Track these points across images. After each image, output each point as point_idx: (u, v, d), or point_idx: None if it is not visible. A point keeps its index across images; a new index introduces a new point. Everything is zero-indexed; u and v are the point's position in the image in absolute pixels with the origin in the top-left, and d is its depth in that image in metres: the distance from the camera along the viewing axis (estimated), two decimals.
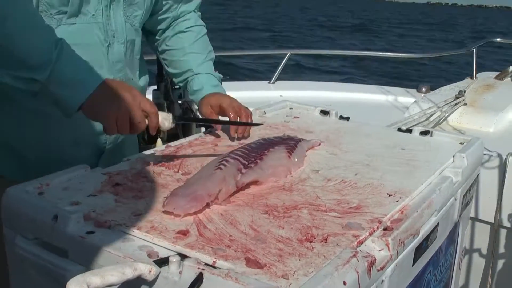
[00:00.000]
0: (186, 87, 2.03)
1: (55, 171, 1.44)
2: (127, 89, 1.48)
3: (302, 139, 1.77)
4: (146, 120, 1.51)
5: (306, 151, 1.73)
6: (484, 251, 2.95)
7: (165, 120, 1.56)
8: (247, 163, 1.49)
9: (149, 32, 2.00)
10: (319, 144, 1.81)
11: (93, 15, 1.64)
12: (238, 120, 1.84)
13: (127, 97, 1.46)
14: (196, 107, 2.06)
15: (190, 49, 1.98)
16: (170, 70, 2.04)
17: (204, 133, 1.91)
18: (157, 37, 2.02)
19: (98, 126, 1.74)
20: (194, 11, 2.03)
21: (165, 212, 1.25)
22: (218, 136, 1.86)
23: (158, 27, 1.98)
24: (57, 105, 1.46)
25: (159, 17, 1.95)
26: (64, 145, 1.71)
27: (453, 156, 1.74)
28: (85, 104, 1.44)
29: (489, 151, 2.82)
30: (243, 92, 3.68)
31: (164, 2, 1.92)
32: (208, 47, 2.05)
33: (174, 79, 2.07)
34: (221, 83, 2.03)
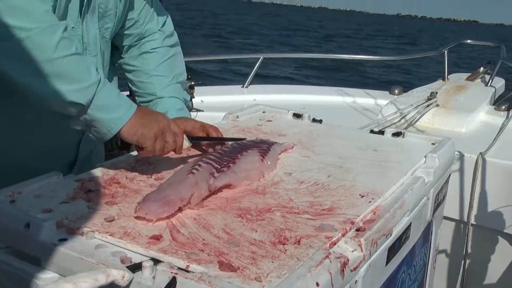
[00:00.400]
0: None
1: (21, 180, 1.43)
2: (158, 113, 1.60)
3: (275, 142, 1.78)
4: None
5: (279, 154, 1.74)
6: (457, 250, 2.99)
7: (185, 140, 1.63)
8: (219, 167, 1.49)
9: (115, 48, 1.97)
10: (292, 147, 1.82)
11: (73, 27, 1.63)
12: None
13: (161, 120, 1.55)
14: None
15: (155, 71, 1.94)
16: (134, 89, 2.00)
17: None
18: (122, 55, 1.98)
19: (72, 138, 1.79)
20: (160, 30, 1.98)
21: (138, 217, 1.25)
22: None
23: (123, 43, 1.95)
24: (94, 129, 1.49)
25: (124, 32, 1.91)
26: (35, 155, 1.69)
27: (425, 157, 1.76)
28: (125, 127, 1.48)
29: (461, 151, 2.86)
30: (216, 97, 3.68)
31: (129, 18, 1.89)
32: (175, 69, 2.00)
33: (137, 100, 2.02)
34: (187, 104, 2.02)
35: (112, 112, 1.46)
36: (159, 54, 1.96)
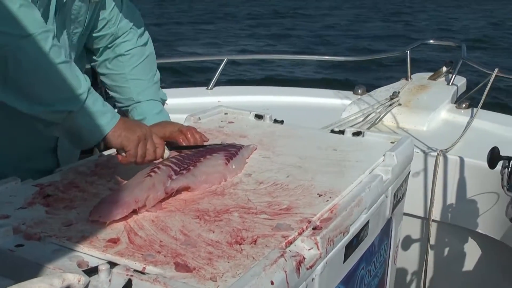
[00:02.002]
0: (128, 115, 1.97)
1: None
2: (140, 122, 1.66)
3: (243, 146, 1.79)
4: None
5: (247, 158, 1.75)
6: (419, 246, 3.04)
7: (166, 149, 1.63)
8: (178, 169, 1.50)
9: (88, 51, 1.96)
10: (255, 149, 1.84)
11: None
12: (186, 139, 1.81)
13: (144, 126, 1.58)
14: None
15: (131, 75, 1.93)
16: (112, 94, 1.99)
17: None
18: (96, 58, 1.96)
19: (50, 143, 1.77)
20: (132, 28, 1.95)
21: (92, 221, 1.25)
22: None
23: (97, 46, 1.93)
24: (76, 136, 1.47)
25: (96, 34, 1.89)
26: (12, 160, 1.67)
27: (383, 155, 1.79)
28: (110, 133, 1.47)
29: (422, 149, 2.91)
30: (181, 99, 3.68)
31: (101, 18, 1.87)
32: (151, 70, 1.99)
33: (116, 104, 1.99)
34: (164, 104, 2.00)
35: (99, 119, 1.46)
36: (134, 56, 1.95)
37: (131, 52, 1.94)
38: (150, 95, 1.94)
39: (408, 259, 3.09)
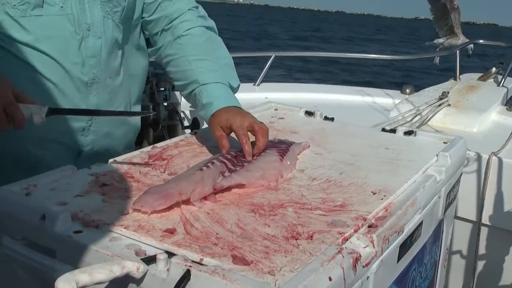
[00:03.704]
0: (194, 102, 1.83)
1: (20, 169, 1.44)
2: None
3: (294, 142, 1.78)
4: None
5: (298, 154, 1.74)
6: (468, 250, 2.99)
7: (36, 114, 1.43)
8: (233, 167, 1.50)
9: (148, 42, 1.93)
10: (309, 147, 1.82)
11: (62, 7, 1.60)
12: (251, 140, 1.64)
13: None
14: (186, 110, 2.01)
15: (193, 55, 1.79)
16: (177, 84, 1.88)
17: (190, 134, 1.91)
18: (156, 46, 1.90)
19: (73, 125, 1.72)
20: (191, 9, 1.86)
21: (135, 209, 1.26)
22: (203, 137, 1.87)
23: (154, 30, 1.87)
24: None
25: (149, 18, 1.85)
26: (29, 143, 1.67)
27: (437, 155, 1.76)
28: None
29: (472, 151, 2.86)
30: None
31: (151, 1, 1.83)
32: (216, 51, 1.85)
33: (182, 94, 1.88)
34: (237, 89, 1.86)
35: None
36: (195, 36, 1.83)
37: (191, 32, 1.82)
38: (217, 78, 1.77)
39: (457, 263, 3.04)
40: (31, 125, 1.43)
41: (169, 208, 1.28)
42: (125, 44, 1.82)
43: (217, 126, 1.67)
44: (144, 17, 1.87)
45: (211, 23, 1.91)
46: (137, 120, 1.99)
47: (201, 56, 1.80)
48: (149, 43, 1.94)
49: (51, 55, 1.63)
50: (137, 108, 2.00)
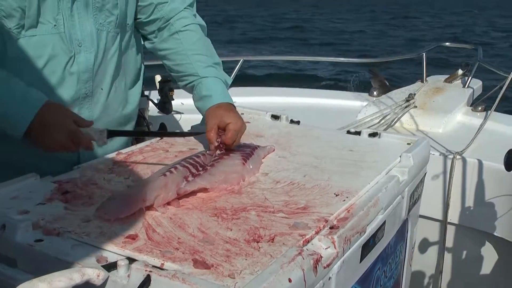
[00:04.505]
0: (190, 92, 1.91)
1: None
2: (57, 119, 1.54)
3: (258, 146, 1.80)
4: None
5: (263, 158, 1.75)
6: (435, 248, 3.03)
7: (98, 138, 1.60)
8: (196, 171, 1.51)
9: (144, 38, 1.95)
10: (274, 150, 1.83)
11: (55, 25, 1.62)
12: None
13: (57, 131, 1.53)
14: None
15: (191, 50, 1.86)
16: (174, 74, 1.93)
17: (155, 139, 1.91)
18: (152, 42, 1.93)
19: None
20: (186, 8, 1.90)
21: (97, 217, 1.26)
22: (168, 142, 1.88)
23: (151, 29, 1.90)
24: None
25: (145, 20, 1.88)
26: (26, 156, 1.67)
27: (400, 156, 1.78)
28: (26, 135, 1.52)
29: (438, 151, 2.90)
30: None
31: (146, 4, 1.85)
32: (210, 49, 1.92)
33: (179, 84, 1.95)
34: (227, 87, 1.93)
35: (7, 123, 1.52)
36: (192, 31, 1.88)
37: (188, 28, 1.88)
38: (215, 73, 1.86)
39: (423, 262, 3.08)
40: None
41: (132, 214, 1.28)
42: (120, 51, 1.83)
43: (219, 117, 1.76)
44: (140, 19, 1.89)
45: (203, 22, 1.96)
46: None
47: (198, 51, 1.87)
48: (144, 37, 1.96)
49: (44, 74, 1.64)
50: (135, 110, 2.01)
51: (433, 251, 3.05)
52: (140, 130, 1.80)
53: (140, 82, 2.00)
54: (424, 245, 3.05)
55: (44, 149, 1.56)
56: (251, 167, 1.63)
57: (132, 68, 1.93)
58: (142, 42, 1.98)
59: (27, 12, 1.56)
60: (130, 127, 1.99)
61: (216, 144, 1.72)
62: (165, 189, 1.36)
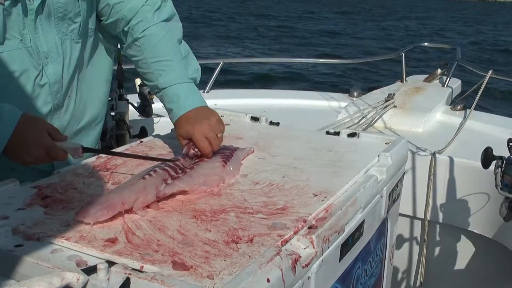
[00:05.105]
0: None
1: None
2: (33, 135, 1.53)
3: (238, 148, 1.81)
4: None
5: (242, 159, 1.77)
6: (416, 246, 3.06)
7: (74, 152, 1.59)
8: (175, 174, 1.52)
9: (116, 38, 1.92)
10: (253, 152, 1.85)
11: (21, 40, 1.61)
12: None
13: (34, 147, 1.53)
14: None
15: (151, 58, 1.79)
16: (146, 82, 1.88)
17: (135, 143, 1.92)
18: (122, 47, 1.90)
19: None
20: (144, 5, 1.81)
21: (77, 221, 1.27)
22: (148, 146, 1.88)
23: (115, 32, 1.87)
24: None
25: (106, 22, 1.84)
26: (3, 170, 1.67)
27: (378, 156, 1.81)
28: (4, 151, 1.52)
29: (417, 150, 2.93)
30: None
31: (103, 6, 1.81)
32: (174, 46, 1.84)
33: (152, 92, 1.94)
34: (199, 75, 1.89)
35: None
36: (151, 35, 1.80)
37: (146, 33, 1.80)
38: (176, 78, 1.78)
39: (404, 259, 3.12)
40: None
41: (111, 218, 1.29)
42: (84, 56, 1.82)
43: (179, 137, 1.77)
44: (102, 20, 1.86)
45: (168, 11, 1.86)
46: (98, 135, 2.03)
47: (158, 57, 1.80)
48: (116, 38, 1.93)
49: (15, 89, 1.63)
50: (103, 111, 2.01)
51: (412, 248, 3.09)
52: (114, 151, 1.80)
53: (107, 84, 1.99)
54: (405, 244, 3.08)
55: (21, 163, 1.57)
56: (231, 168, 1.64)
57: (99, 71, 1.92)
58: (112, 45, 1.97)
59: None
60: (99, 128, 2.00)
61: (195, 155, 1.71)
62: (144, 192, 1.37)
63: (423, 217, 2.89)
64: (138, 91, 3.04)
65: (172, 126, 2.01)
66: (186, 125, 1.74)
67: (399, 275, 3.15)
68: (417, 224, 3.02)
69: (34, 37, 1.64)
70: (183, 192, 1.47)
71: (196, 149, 1.71)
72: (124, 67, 2.74)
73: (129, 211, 1.33)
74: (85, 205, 1.30)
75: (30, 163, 1.56)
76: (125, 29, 1.84)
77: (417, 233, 3.04)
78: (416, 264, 3.09)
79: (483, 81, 3.50)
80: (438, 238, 3.01)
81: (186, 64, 1.86)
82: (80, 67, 1.81)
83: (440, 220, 2.92)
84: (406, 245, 3.10)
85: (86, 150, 1.62)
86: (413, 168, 2.89)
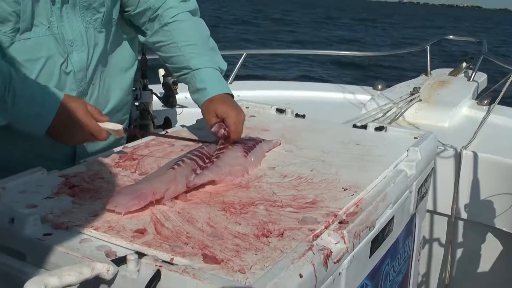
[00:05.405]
0: (187, 84, 1.91)
1: None
2: (78, 117, 1.56)
3: (263, 140, 1.79)
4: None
5: (267, 151, 1.74)
6: (443, 243, 3.02)
7: (115, 132, 1.65)
8: (203, 163, 1.50)
9: (138, 30, 1.94)
10: (280, 144, 1.82)
11: (48, 27, 1.62)
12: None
13: (78, 128, 1.57)
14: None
15: (182, 41, 1.84)
16: (168, 65, 1.93)
17: (161, 133, 1.90)
18: (144, 35, 1.92)
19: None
20: None
21: (108, 210, 1.26)
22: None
23: (140, 21, 1.89)
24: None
25: (133, 13, 1.87)
26: (27, 156, 1.69)
27: (407, 150, 1.78)
28: (48, 133, 1.56)
29: (444, 145, 2.89)
30: None
31: None
32: (204, 35, 1.90)
33: (174, 75, 1.94)
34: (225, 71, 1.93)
35: (30, 123, 1.54)
36: (182, 21, 1.86)
37: (177, 18, 1.85)
38: (208, 62, 1.84)
39: (430, 256, 3.08)
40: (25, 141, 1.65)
41: (142, 208, 1.27)
42: (108, 45, 1.83)
43: (213, 113, 1.77)
44: (128, 11, 1.88)
45: (192, 5, 1.93)
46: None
47: (189, 41, 1.85)
48: (138, 29, 1.95)
49: (42, 76, 1.64)
50: (126, 99, 2.02)
51: (441, 245, 3.05)
52: (152, 132, 1.82)
53: (130, 73, 1.99)
54: (433, 240, 3.05)
55: (64, 143, 1.63)
56: (252, 159, 1.63)
57: (121, 60, 1.93)
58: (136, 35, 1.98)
59: (21, 16, 1.55)
60: (123, 116, 2.01)
61: (222, 135, 1.71)
62: (174, 182, 1.36)
63: (447, 213, 2.85)
64: (162, 81, 3.03)
65: (197, 117, 2.00)
66: (223, 105, 1.76)
67: (426, 273, 3.12)
68: (444, 221, 2.97)
69: (60, 25, 1.65)
70: (211, 182, 1.46)
71: (226, 130, 1.70)
72: (148, 57, 2.74)
73: (158, 202, 1.31)
74: (115, 195, 1.29)
75: (73, 143, 1.65)
76: (152, 17, 1.88)
77: (444, 230, 3.00)
78: (442, 262, 3.04)
79: (510, 75, 3.44)
80: (463, 236, 2.97)
81: (214, 55, 1.90)
82: (103, 55, 1.81)
83: (466, 217, 2.88)
84: (434, 242, 3.06)
85: (127, 130, 1.67)
86: (440, 163, 2.85)
